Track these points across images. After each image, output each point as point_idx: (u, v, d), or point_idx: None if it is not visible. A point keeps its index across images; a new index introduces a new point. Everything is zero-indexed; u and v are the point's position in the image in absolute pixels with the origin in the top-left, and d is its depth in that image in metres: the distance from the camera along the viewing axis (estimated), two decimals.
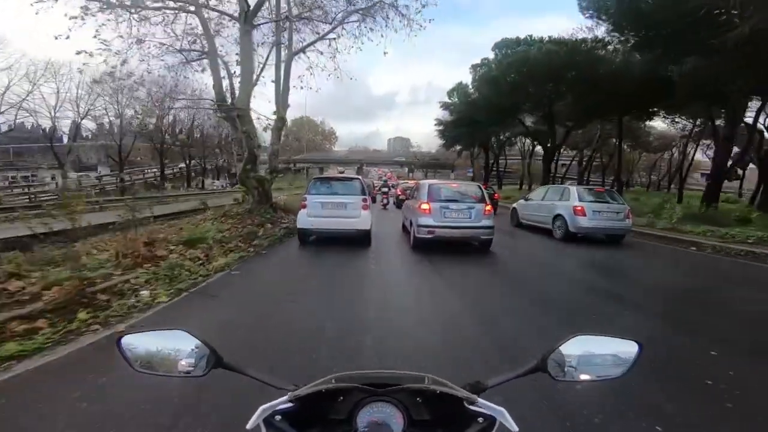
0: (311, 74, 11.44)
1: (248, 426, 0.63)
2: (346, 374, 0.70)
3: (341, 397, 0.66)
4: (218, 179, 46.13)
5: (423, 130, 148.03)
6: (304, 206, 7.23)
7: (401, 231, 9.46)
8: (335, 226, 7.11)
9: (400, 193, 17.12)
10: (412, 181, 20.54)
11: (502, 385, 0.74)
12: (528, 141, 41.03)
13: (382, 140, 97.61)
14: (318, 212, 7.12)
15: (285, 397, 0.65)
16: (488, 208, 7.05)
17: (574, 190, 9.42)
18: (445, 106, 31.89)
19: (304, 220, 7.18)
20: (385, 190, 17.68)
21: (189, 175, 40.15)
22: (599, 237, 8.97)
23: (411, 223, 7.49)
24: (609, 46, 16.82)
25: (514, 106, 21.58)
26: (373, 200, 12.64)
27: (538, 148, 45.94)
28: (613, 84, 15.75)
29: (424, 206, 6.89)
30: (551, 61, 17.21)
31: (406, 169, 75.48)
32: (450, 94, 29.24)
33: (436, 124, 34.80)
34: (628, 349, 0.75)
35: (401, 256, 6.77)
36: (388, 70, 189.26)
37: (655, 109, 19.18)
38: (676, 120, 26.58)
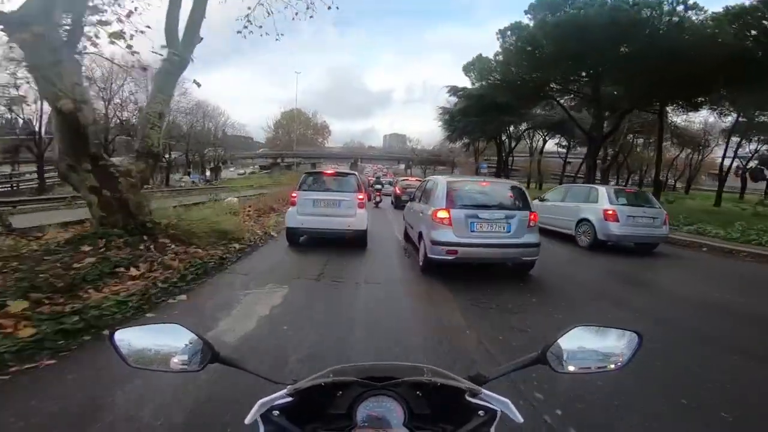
0: (268, 12, 7.01)
1: (246, 420, 0.62)
2: (344, 367, 0.70)
3: (340, 392, 0.65)
4: (194, 174, 41.02)
5: (419, 128, 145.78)
6: (294, 203, 6.74)
7: (402, 238, 7.91)
8: (327, 225, 6.58)
9: (399, 192, 14.94)
10: (413, 179, 18.03)
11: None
12: (539, 135, 37.39)
13: (378, 137, 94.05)
14: (309, 210, 6.62)
15: (283, 391, 0.65)
16: (533, 217, 5.20)
17: (603, 190, 8.29)
18: (453, 91, 27.36)
19: (294, 218, 6.70)
20: (378, 186, 16.11)
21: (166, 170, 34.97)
22: (628, 245, 7.94)
23: (420, 236, 5.65)
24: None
25: (550, 83, 17.18)
26: (369, 198, 11.32)
27: (549, 145, 43.01)
28: (695, 59, 11.93)
29: (442, 215, 5.07)
30: (615, 23, 12.85)
31: (403, 166, 71.47)
32: (467, 69, 24.14)
33: (441, 113, 30.35)
34: (628, 340, 0.75)
35: (405, 280, 5.10)
36: (384, 67, 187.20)
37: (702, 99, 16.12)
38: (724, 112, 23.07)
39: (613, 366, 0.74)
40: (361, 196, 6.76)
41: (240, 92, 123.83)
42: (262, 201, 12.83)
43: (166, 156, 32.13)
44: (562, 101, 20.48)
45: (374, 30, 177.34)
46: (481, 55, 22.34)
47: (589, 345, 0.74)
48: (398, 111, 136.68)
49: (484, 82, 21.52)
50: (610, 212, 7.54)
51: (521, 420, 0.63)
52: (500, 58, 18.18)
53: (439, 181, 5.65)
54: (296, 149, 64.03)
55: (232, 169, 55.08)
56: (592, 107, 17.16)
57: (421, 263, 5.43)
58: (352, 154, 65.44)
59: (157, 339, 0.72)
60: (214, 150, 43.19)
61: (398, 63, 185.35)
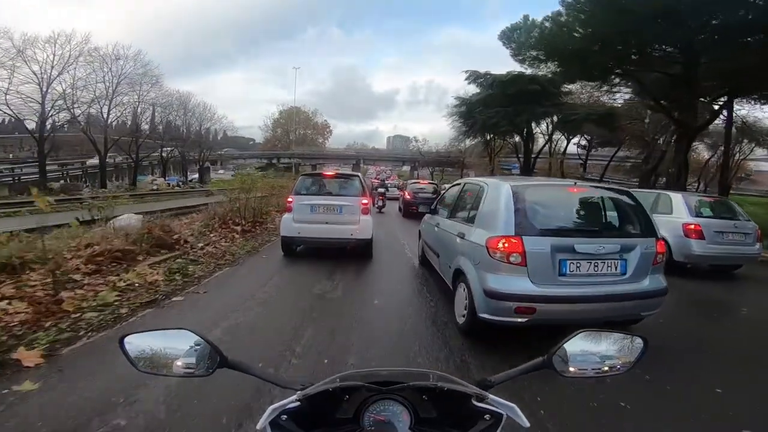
0: None
1: (258, 426, 0.63)
2: (352, 373, 0.71)
3: (347, 396, 0.66)
4: (172, 176, 36.73)
5: (423, 131, 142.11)
6: (290, 209, 6.05)
7: (416, 261, 6.12)
8: (327, 234, 5.90)
9: (409, 197, 13.09)
10: (425, 182, 15.82)
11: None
12: (560, 134, 32.97)
13: (382, 139, 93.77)
14: (307, 217, 5.95)
15: (293, 397, 0.65)
16: (660, 247, 3.21)
17: (679, 199, 6.62)
18: (473, 77, 22.81)
19: (290, 226, 5.99)
20: (381, 190, 15.40)
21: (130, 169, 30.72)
22: (702, 266, 6.49)
23: (457, 275, 3.57)
24: None
25: (630, 54, 12.67)
26: (373, 202, 9.55)
27: (572, 147, 38.61)
28: None
29: (508, 248, 2.96)
30: None
31: (407, 167, 67.11)
32: (506, 38, 18.37)
33: (455, 105, 25.86)
34: (633, 344, 0.76)
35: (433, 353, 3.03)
36: (388, 70, 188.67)
37: None
38: None
39: (617, 370, 0.75)
40: (365, 201, 6.13)
41: (245, 95, 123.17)
42: (227, 211, 8.71)
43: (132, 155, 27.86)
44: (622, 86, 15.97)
45: (378, 31, 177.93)
46: (528, 17, 17.40)
47: (595, 349, 0.75)
48: (402, 113, 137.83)
49: (529, 54, 16.81)
50: (693, 227, 6.18)
51: (527, 424, 0.63)
52: (564, 18, 13.41)
53: (495, 187, 3.44)
54: (294, 149, 59.79)
55: (221, 171, 50.75)
56: (678, 91, 12.59)
57: (460, 320, 3.39)
58: (354, 155, 61.06)
59: (166, 344, 0.72)
60: (199, 149, 38.94)
61: (402, 65, 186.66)
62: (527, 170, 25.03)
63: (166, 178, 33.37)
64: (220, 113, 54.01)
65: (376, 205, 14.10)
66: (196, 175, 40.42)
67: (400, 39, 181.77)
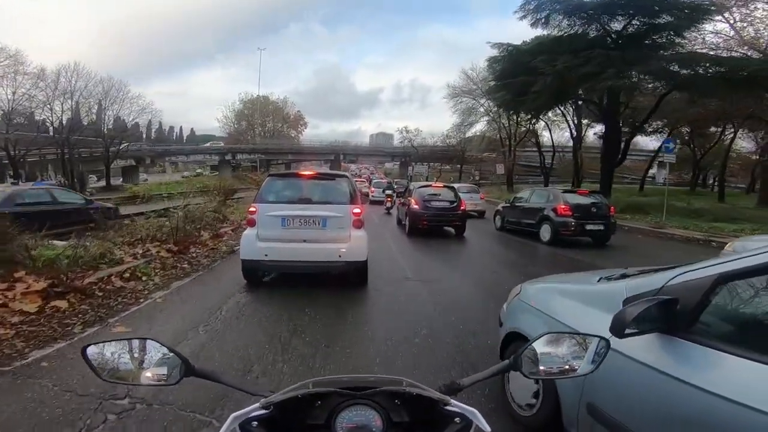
0: None
1: None
2: (323, 379, 0.70)
3: (318, 402, 0.66)
4: (47, 179, 25.69)
5: (409, 128, 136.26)
6: (253, 222, 4.48)
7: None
8: (306, 256, 4.37)
9: (416, 205, 9.20)
10: (439, 185, 10.76)
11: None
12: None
13: (365, 138, 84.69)
14: (277, 233, 4.39)
15: (257, 404, 0.64)
16: None
17: None
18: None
19: (253, 246, 4.37)
20: (389, 192, 14.87)
21: None
22: None
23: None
24: None
25: None
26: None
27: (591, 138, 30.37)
28: None
29: None
30: None
31: (393, 164, 57.46)
32: None
33: (492, 61, 16.57)
34: (596, 344, 0.77)
35: None
36: (371, 68, 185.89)
37: None
38: None
39: (584, 370, 0.77)
40: (357, 210, 4.54)
41: (223, 94, 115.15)
42: None
43: None
44: None
45: (362, 29, 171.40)
46: None
47: (559, 350, 0.77)
48: (386, 111, 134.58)
49: None
50: None
51: (488, 429, 0.64)
52: None
53: None
54: (258, 142, 48.98)
55: (166, 172, 39.31)
56: None
57: None
58: (331, 149, 50.69)
59: (131, 353, 0.71)
60: (116, 145, 27.93)
61: (386, 63, 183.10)
62: (612, 166, 15.78)
63: (35, 182, 22.11)
64: (158, 106, 42.67)
65: (385, 207, 14.52)
66: (104, 181, 29.25)
67: (384, 36, 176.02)
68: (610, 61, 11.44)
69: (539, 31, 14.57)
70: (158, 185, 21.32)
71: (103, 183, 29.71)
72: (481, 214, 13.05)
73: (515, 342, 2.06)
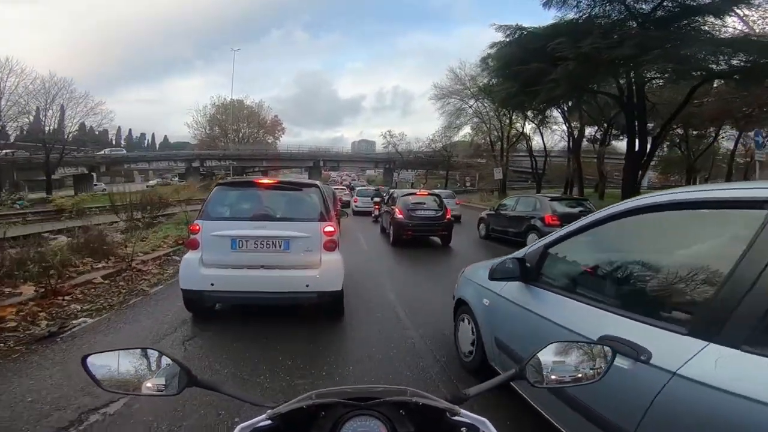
0: None
1: None
2: (327, 390, 0.70)
3: (323, 413, 0.65)
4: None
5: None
6: (195, 244, 3.60)
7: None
8: (264, 287, 3.56)
9: (401, 214, 8.92)
10: (424, 192, 10.63)
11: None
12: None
13: (347, 146, 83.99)
14: (226, 258, 3.59)
15: (264, 415, 0.64)
16: None
17: None
18: None
19: (195, 274, 3.52)
20: (377, 200, 14.12)
21: None
22: None
23: None
24: None
25: None
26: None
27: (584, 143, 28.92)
28: None
29: None
30: None
31: (376, 171, 55.16)
32: None
33: (490, 47, 14.43)
34: (602, 353, 0.77)
35: None
36: (353, 76, 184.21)
37: None
38: None
39: (589, 379, 0.76)
40: (330, 228, 3.71)
41: (202, 101, 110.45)
42: None
43: None
44: None
45: (344, 37, 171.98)
46: None
47: (565, 359, 0.76)
48: (368, 118, 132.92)
49: None
50: None
51: None
52: None
53: None
54: (230, 148, 45.38)
55: (110, 180, 35.26)
56: None
57: None
58: (310, 155, 47.74)
59: (132, 363, 0.70)
60: (45, 148, 24.10)
61: (367, 71, 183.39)
62: (636, 169, 13.74)
63: None
64: (109, 108, 38.20)
65: (372, 215, 13.91)
66: (42, 192, 25.26)
67: (367, 43, 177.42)
68: (652, 42, 9.40)
69: (546, 17, 12.55)
70: (102, 196, 18.01)
71: (43, 194, 25.67)
72: (457, 219, 12.87)
73: (461, 307, 2.96)
